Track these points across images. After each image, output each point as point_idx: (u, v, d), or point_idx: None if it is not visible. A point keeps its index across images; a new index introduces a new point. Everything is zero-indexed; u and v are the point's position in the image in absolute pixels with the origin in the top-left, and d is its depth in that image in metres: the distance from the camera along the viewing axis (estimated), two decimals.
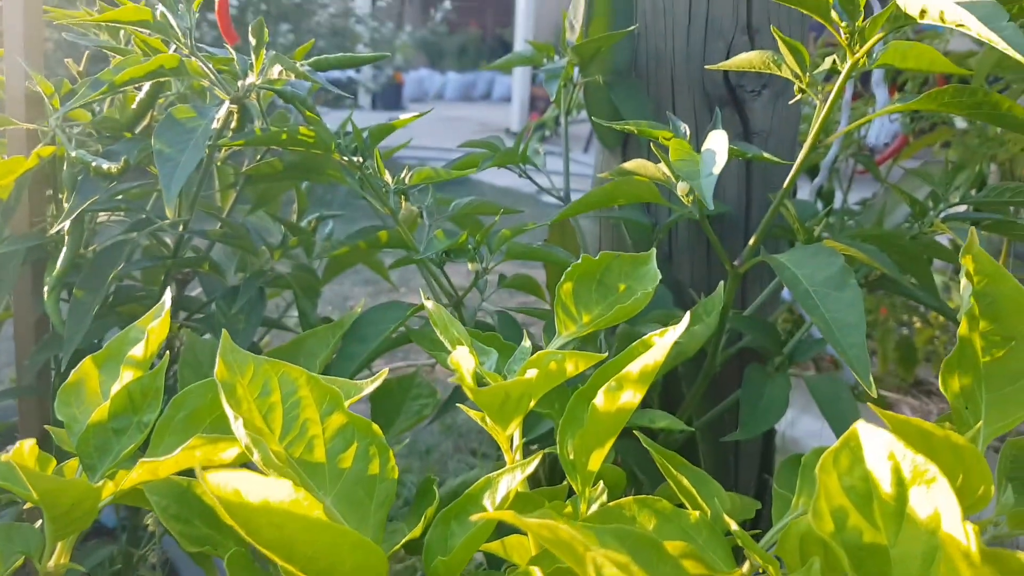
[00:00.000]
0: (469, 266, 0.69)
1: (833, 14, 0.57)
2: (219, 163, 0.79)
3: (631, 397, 0.37)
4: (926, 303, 0.78)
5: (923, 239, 0.81)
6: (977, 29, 0.42)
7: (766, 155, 0.59)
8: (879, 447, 0.32)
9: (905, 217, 1.03)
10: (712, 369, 0.72)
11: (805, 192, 1.56)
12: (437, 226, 0.82)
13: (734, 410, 0.93)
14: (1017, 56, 0.40)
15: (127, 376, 0.44)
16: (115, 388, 0.44)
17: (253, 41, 0.62)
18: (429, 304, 0.49)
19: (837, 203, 1.44)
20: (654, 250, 0.53)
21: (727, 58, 0.92)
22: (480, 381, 0.42)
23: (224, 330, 0.39)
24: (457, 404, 0.47)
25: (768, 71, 0.70)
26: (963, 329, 0.41)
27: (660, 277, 0.50)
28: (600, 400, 0.36)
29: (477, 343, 0.49)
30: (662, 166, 0.67)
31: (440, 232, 0.65)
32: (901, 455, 0.32)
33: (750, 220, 0.95)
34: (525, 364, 0.41)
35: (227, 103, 0.64)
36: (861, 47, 0.58)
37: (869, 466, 0.32)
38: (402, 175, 0.76)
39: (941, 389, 0.42)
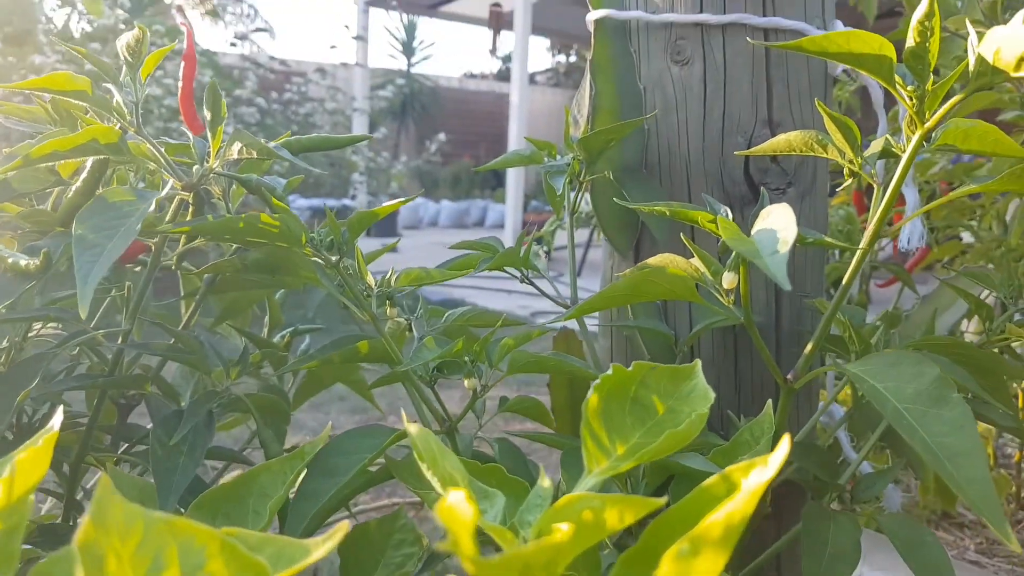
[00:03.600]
0: (466, 383, 0.57)
1: (896, 78, 0.48)
2: (173, 265, 0.68)
3: (712, 566, 0.24)
4: (1003, 426, 0.66)
5: (990, 350, 0.69)
6: None
7: (827, 239, 0.49)
8: None
9: (950, 328, 0.93)
10: (764, 509, 0.59)
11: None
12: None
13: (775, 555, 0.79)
14: None
15: None
16: None
17: (208, 115, 0.52)
18: (413, 428, 0.36)
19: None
20: (699, 362, 0.41)
21: None
22: (482, 537, 0.29)
23: (104, 475, 0.26)
24: None
25: (811, 153, 0.61)
26: None
27: (713, 396, 0.38)
28: (668, 572, 0.24)
29: (475, 482, 0.36)
30: (695, 261, 0.56)
31: (430, 339, 0.54)
32: None
33: (780, 330, 0.83)
34: (546, 515, 0.28)
35: (170, 186, 0.54)
36: (931, 115, 0.49)
37: None
38: (387, 276, 0.65)
39: None
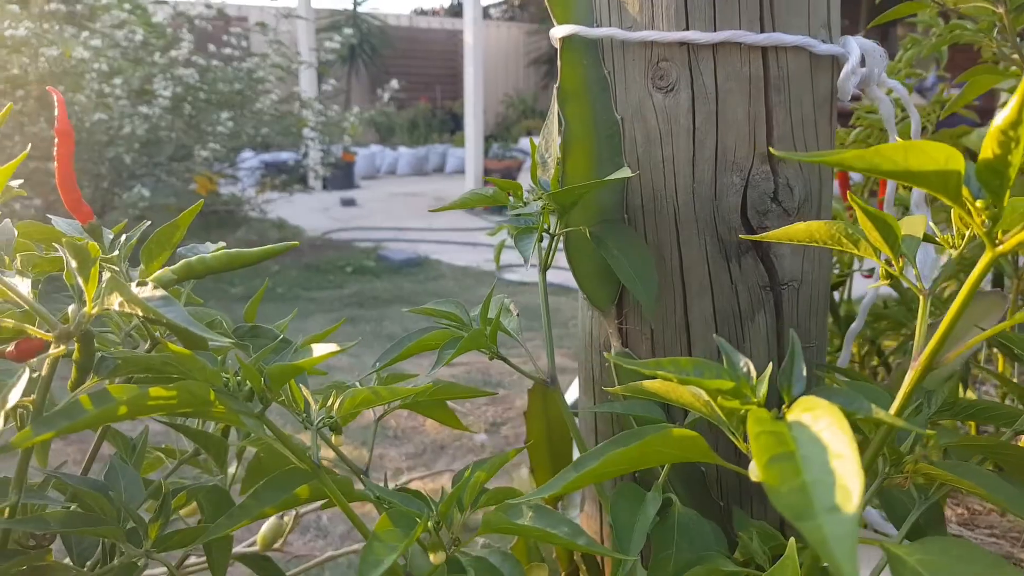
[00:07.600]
0: (432, 558, 0.47)
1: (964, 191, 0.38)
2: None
3: None
4: None
5: None
6: None
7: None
8: None
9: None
10: None
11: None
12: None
13: None
14: None
15: None
16: None
17: (74, 264, 0.39)
18: None
19: None
20: None
21: (744, 193, 0.72)
22: None
23: None
24: None
25: (838, 247, 0.50)
26: None
27: None
28: None
29: None
30: (700, 393, 0.46)
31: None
32: None
33: None
34: None
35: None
36: (1004, 234, 0.39)
37: None
38: (330, 402, 0.53)
39: None
